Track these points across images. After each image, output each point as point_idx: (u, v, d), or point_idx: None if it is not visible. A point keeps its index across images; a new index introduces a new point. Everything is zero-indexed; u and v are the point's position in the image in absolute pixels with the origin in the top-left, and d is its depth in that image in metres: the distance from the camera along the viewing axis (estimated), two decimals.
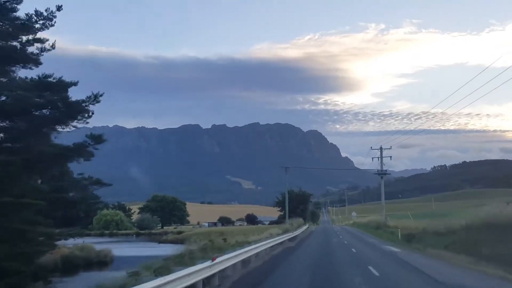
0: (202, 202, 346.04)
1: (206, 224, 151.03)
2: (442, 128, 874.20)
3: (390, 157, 73.78)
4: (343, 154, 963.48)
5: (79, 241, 38.97)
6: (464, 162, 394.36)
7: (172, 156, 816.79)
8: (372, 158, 74.30)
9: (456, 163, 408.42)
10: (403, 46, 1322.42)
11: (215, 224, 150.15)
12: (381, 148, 71.56)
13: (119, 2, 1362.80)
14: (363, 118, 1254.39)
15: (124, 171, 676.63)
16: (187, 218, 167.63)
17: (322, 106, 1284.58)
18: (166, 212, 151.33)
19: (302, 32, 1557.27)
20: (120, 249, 47.38)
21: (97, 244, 50.88)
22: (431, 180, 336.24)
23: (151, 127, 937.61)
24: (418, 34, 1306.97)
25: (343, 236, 59.35)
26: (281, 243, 38.22)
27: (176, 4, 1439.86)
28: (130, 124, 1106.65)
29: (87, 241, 53.81)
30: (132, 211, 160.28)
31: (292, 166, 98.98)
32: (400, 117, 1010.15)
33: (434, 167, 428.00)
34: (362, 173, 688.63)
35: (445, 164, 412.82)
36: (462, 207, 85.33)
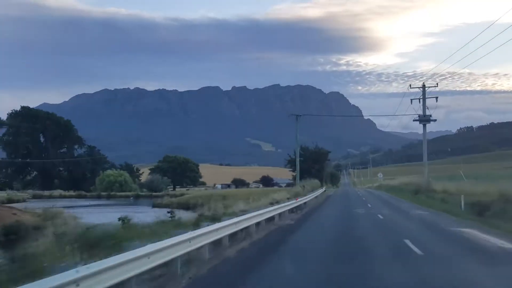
0: (221, 164, 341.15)
1: (219, 186, 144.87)
2: (469, 89, 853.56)
3: (436, 98, 55.51)
4: (366, 117, 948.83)
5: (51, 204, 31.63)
6: (492, 124, 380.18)
7: (192, 118, 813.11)
8: (411, 99, 56.33)
9: (483, 124, 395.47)
10: (430, 3, 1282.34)
11: (228, 186, 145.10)
12: (423, 86, 55.80)
13: None
14: (386, 79, 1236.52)
15: (144, 133, 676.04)
16: (201, 179, 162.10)
17: (344, 67, 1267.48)
18: (178, 173, 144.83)
19: None
20: (91, 215, 36.72)
21: (75, 209, 43.58)
22: (457, 142, 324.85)
23: (172, 89, 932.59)
24: None
25: (373, 204, 42.17)
26: (278, 215, 24.03)
27: None
28: (150, 86, 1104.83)
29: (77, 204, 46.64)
30: (142, 172, 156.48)
31: (304, 114, 74.88)
32: (424, 77, 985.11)
33: (460, 128, 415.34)
34: (385, 135, 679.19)
35: (471, 126, 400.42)
36: (493, 169, 77.81)
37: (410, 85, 57.28)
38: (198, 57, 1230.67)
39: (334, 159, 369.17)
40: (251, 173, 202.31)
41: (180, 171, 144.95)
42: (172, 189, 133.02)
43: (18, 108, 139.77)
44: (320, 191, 61.05)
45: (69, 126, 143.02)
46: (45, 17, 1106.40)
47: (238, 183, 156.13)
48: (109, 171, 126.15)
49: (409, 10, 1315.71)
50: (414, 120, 56.58)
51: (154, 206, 66.39)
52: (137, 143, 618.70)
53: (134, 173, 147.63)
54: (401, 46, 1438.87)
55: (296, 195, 39.42)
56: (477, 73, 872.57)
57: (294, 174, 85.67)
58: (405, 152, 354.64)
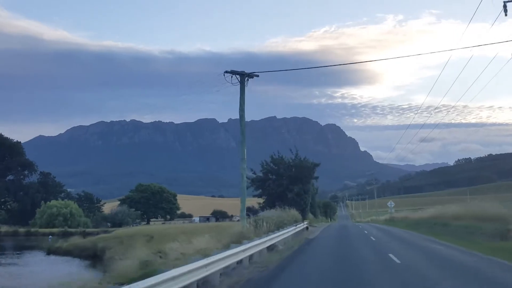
0: (213, 196, 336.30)
1: (197, 219, 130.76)
2: (464, 121, 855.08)
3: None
4: (362, 149, 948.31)
5: None
6: (490, 155, 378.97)
7: (188, 150, 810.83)
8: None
9: (481, 156, 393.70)
10: (422, 38, 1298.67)
11: (207, 218, 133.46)
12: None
13: None
14: (381, 112, 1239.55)
15: (139, 165, 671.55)
16: (179, 211, 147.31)
17: (339, 100, 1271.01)
18: (151, 205, 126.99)
19: (317, 25, 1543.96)
20: None
21: None
22: (455, 173, 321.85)
23: (168, 121, 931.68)
24: (437, 25, 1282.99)
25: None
26: None
27: None
28: (146, 118, 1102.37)
29: None
30: (103, 203, 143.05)
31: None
32: (419, 110, 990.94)
33: (459, 160, 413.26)
34: (381, 167, 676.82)
35: (469, 157, 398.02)
36: (505, 200, 73.51)
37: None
38: (194, 90, 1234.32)
39: (330, 191, 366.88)
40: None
41: (154, 202, 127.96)
42: (145, 222, 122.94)
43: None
44: (295, 228, 34.89)
45: (17, 149, 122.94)
46: (41, 51, 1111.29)
47: (219, 215, 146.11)
48: (53, 202, 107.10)
49: (402, 44, 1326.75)
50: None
51: (49, 252, 51.83)
52: (132, 175, 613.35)
53: (94, 204, 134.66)
54: (395, 79, 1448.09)
55: (239, 237, 21.60)
56: (472, 106, 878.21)
57: (260, 202, 63.77)
58: (402, 183, 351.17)
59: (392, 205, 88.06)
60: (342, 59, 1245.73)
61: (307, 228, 46.10)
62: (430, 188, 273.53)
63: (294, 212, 44.18)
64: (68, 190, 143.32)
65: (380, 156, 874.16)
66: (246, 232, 24.26)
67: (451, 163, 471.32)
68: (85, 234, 72.94)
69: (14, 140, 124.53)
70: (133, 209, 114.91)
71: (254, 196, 64.01)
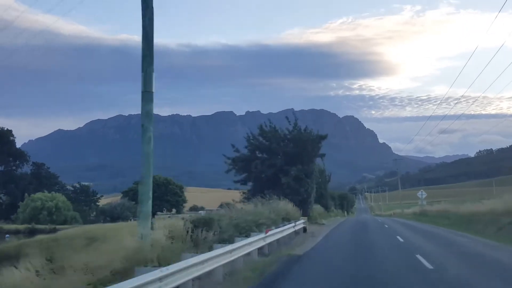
0: (229, 189, 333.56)
1: (203, 213, 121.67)
2: (483, 112, 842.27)
3: None
4: (381, 140, 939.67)
5: None
6: None
7: (205, 143, 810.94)
8: None
9: (503, 147, 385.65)
10: (441, 28, 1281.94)
11: (211, 211, 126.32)
12: None
13: None
14: (399, 103, 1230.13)
15: (157, 158, 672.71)
16: (185, 204, 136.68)
17: (357, 92, 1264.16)
18: (156, 197, 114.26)
19: (334, 16, 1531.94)
20: None
21: None
22: (477, 165, 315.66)
23: (185, 114, 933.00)
24: (456, 15, 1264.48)
25: None
26: None
27: None
28: (164, 111, 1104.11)
29: None
30: (100, 196, 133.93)
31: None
32: (438, 101, 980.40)
33: (480, 151, 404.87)
34: (400, 159, 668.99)
35: (491, 148, 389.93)
36: None
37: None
38: (211, 83, 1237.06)
39: (349, 183, 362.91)
40: None
41: (159, 195, 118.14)
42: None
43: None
44: (264, 239, 18.78)
45: (6, 137, 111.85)
46: (59, 45, 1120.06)
47: (226, 206, 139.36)
48: (38, 194, 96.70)
49: (420, 34, 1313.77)
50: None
51: None
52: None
53: (90, 196, 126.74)
54: (414, 70, 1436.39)
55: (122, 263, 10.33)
56: (491, 96, 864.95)
57: (244, 192, 47.14)
58: (422, 175, 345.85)
59: (424, 196, 71.04)
60: (359, 50, 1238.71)
61: (304, 229, 30.65)
62: (451, 180, 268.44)
63: (286, 206, 31.00)
64: (87, 184, 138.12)
65: (399, 148, 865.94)
66: (145, 250, 11.72)
67: (472, 154, 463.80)
68: (55, 231, 61.52)
69: (5, 128, 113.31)
70: (134, 202, 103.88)
71: (236, 182, 48.00)
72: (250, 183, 45.94)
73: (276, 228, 21.64)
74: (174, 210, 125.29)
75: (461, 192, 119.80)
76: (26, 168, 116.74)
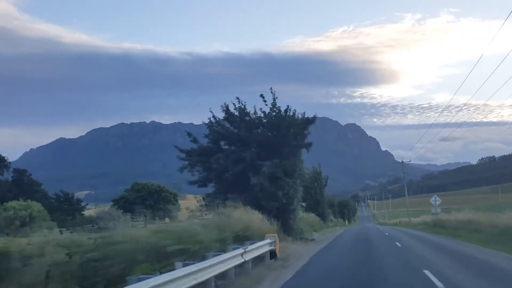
0: None
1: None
2: (485, 120, 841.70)
3: None
4: (383, 148, 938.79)
5: None
6: None
7: None
8: None
9: (505, 154, 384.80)
10: (442, 36, 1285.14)
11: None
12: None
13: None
14: (401, 111, 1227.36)
15: (160, 166, 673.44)
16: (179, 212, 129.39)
17: (359, 99, 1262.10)
18: (148, 206, 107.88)
19: (335, 24, 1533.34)
20: None
21: None
22: (479, 172, 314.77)
23: (187, 122, 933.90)
24: (456, 23, 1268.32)
25: None
26: None
27: None
28: (166, 119, 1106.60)
29: None
30: (85, 204, 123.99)
31: None
32: (440, 109, 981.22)
33: (482, 158, 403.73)
34: (403, 167, 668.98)
35: (493, 156, 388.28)
36: None
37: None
38: (213, 90, 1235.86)
39: (351, 191, 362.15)
40: None
41: (151, 203, 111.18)
42: (142, 225, 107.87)
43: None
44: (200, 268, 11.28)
45: None
46: (60, 54, 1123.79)
47: None
48: (12, 203, 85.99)
49: (421, 42, 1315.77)
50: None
51: None
52: (152, 176, 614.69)
53: (74, 204, 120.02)
54: (415, 78, 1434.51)
55: None
56: (493, 104, 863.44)
57: (202, 198, 35.06)
58: (425, 183, 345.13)
59: (438, 202, 57.02)
60: (361, 58, 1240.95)
61: (271, 255, 19.93)
62: (454, 187, 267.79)
63: (245, 216, 21.40)
64: (88, 192, 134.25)
65: (401, 155, 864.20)
66: None
67: (474, 162, 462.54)
68: None
69: None
70: (122, 211, 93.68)
71: (192, 183, 34.29)
72: (211, 185, 33.37)
73: (194, 263, 11.50)
74: (167, 219, 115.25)
75: (468, 199, 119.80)
76: (7, 175, 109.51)
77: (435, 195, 59.30)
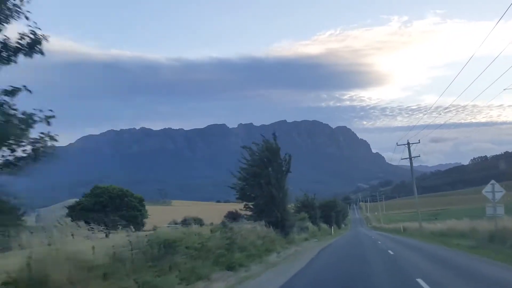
0: (218, 201, 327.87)
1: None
2: (474, 121, 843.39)
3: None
4: (374, 150, 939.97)
5: None
6: (507, 152, 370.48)
7: (198, 156, 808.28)
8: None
9: (497, 153, 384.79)
10: (429, 38, 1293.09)
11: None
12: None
13: (138, 5, 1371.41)
14: (390, 113, 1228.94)
15: (150, 172, 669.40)
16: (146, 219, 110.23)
17: (348, 102, 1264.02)
18: (109, 212, 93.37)
19: (322, 28, 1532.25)
20: None
21: None
22: (472, 172, 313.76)
23: (177, 128, 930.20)
24: (443, 25, 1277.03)
25: None
26: None
27: (194, 4, 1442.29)
28: (156, 126, 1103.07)
29: None
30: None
31: None
32: (429, 110, 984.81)
33: (474, 158, 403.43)
34: (394, 169, 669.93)
35: (485, 155, 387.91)
36: None
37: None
38: (202, 96, 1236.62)
39: (343, 194, 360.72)
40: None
41: (112, 209, 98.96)
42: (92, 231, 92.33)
43: None
44: None
45: None
46: (49, 61, 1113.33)
47: (196, 221, 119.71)
48: None
49: (408, 45, 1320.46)
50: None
51: None
52: (143, 182, 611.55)
53: (6, 214, 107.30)
54: (404, 80, 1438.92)
55: None
56: (481, 105, 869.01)
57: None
58: (419, 183, 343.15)
59: (500, 195, 32.25)
60: (349, 61, 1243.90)
61: None
62: (447, 188, 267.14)
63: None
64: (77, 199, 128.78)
65: (392, 157, 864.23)
66: None
67: (465, 162, 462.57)
68: None
69: None
70: (69, 218, 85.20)
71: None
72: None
73: None
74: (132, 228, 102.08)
75: (459, 200, 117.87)
76: None
77: (493, 181, 33.90)
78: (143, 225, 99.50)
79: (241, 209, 40.07)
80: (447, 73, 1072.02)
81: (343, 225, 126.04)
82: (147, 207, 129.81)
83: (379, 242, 43.03)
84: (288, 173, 39.46)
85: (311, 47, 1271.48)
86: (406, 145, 57.80)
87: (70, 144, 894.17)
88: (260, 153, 39.21)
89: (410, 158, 58.98)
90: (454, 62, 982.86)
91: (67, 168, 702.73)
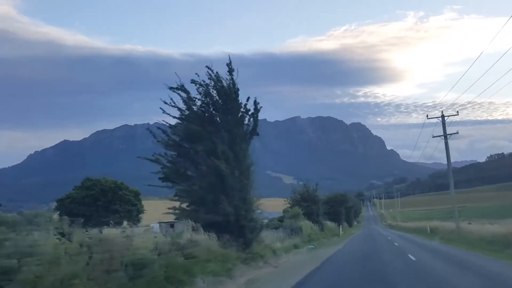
0: None
1: (157, 226, 68.43)
2: (490, 118, 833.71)
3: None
4: (388, 147, 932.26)
5: None
6: None
7: None
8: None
9: None
10: (445, 34, 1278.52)
11: (172, 225, 72.40)
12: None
13: (151, 0, 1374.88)
14: (405, 110, 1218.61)
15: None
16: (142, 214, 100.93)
17: (362, 99, 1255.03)
18: (100, 206, 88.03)
19: (337, 23, 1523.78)
20: None
21: None
22: (489, 169, 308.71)
23: None
24: (460, 21, 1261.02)
25: None
26: None
27: (207, 0, 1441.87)
28: (170, 121, 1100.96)
29: None
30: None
31: None
32: (444, 107, 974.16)
33: (491, 155, 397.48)
34: (409, 166, 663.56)
35: (503, 153, 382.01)
36: None
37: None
38: None
39: (357, 191, 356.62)
40: (269, 205, 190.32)
41: (104, 203, 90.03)
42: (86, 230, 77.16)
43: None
44: None
45: None
46: (62, 56, 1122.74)
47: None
48: None
49: (424, 40, 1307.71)
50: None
51: None
52: (156, 178, 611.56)
53: None
54: (419, 76, 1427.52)
55: None
56: (498, 102, 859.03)
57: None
58: (434, 181, 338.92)
59: None
60: (363, 57, 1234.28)
61: None
62: (464, 185, 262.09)
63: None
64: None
65: (407, 154, 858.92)
66: None
67: (480, 160, 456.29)
68: None
69: None
70: (55, 212, 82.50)
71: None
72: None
73: None
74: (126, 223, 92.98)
75: (489, 197, 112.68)
76: None
77: None
78: (139, 220, 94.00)
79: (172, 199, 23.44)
80: (464, 70, 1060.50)
81: (355, 223, 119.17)
82: (156, 201, 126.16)
83: (412, 257, 24.09)
84: (253, 136, 24.47)
85: (325, 42, 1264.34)
86: (440, 118, 44.83)
87: (84, 138, 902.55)
88: (203, 96, 23.35)
89: (445, 134, 43.31)
90: (471, 58, 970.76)
91: (81, 163, 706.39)
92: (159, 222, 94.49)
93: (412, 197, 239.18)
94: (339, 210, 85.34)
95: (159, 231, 27.81)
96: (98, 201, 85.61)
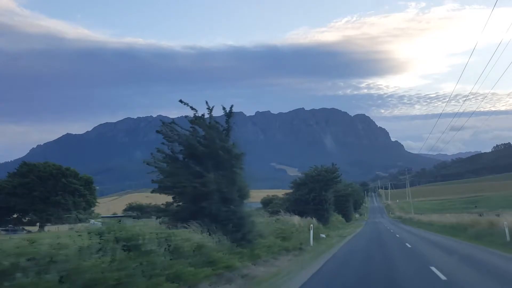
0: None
1: (97, 223, 64.19)
2: (493, 109, 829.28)
3: None
4: (393, 139, 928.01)
5: None
6: None
7: None
8: None
9: None
10: (447, 25, 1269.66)
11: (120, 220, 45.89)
12: None
13: None
14: (408, 102, 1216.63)
15: None
16: (94, 207, 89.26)
17: (365, 90, 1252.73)
18: (37, 198, 72.13)
19: (339, 15, 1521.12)
20: None
21: None
22: (495, 159, 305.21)
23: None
24: (461, 11, 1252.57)
25: None
26: None
27: None
28: (173, 114, 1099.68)
29: None
30: None
31: None
32: (447, 99, 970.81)
33: (497, 145, 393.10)
34: (414, 157, 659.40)
35: (509, 142, 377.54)
36: None
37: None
38: (218, 84, 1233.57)
39: (361, 181, 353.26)
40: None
41: (42, 194, 73.02)
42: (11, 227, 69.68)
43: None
44: None
45: None
46: (64, 49, 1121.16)
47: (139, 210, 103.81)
48: None
49: (426, 31, 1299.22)
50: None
51: None
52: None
53: None
54: (422, 67, 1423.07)
55: None
56: (501, 93, 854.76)
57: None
58: (439, 171, 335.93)
59: None
60: (365, 49, 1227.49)
61: None
62: (471, 175, 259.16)
63: None
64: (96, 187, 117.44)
65: (411, 146, 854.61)
66: None
67: (484, 150, 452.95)
68: None
69: None
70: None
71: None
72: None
73: None
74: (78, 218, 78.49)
75: (505, 185, 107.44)
76: None
77: None
78: (90, 214, 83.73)
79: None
80: (467, 60, 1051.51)
81: (356, 216, 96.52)
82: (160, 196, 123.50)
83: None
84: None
85: (327, 34, 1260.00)
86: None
87: (87, 131, 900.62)
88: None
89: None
90: (475, 49, 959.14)
91: (83, 156, 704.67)
92: (102, 217, 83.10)
93: (419, 187, 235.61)
94: (342, 201, 63.57)
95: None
96: (34, 191, 71.88)
